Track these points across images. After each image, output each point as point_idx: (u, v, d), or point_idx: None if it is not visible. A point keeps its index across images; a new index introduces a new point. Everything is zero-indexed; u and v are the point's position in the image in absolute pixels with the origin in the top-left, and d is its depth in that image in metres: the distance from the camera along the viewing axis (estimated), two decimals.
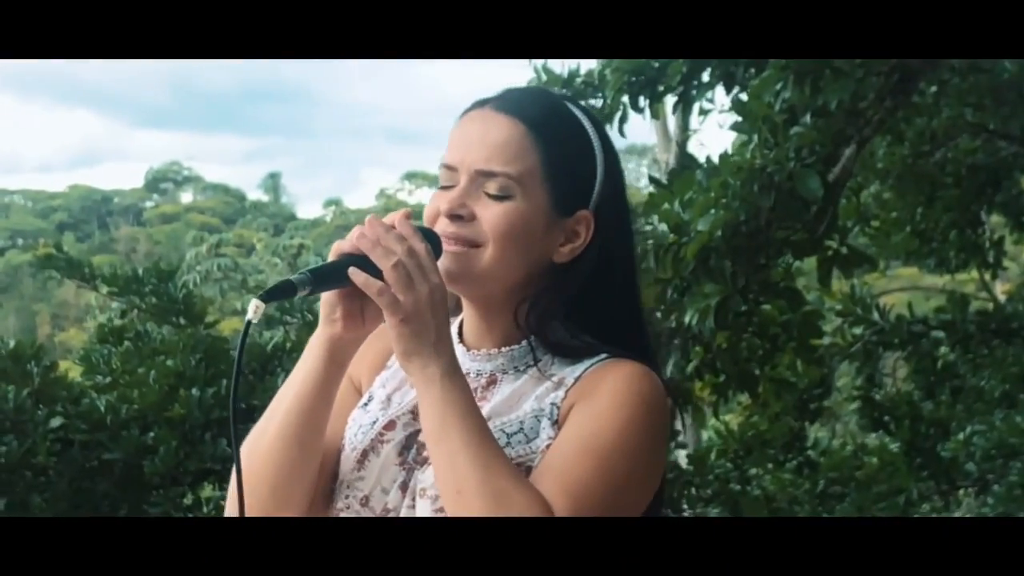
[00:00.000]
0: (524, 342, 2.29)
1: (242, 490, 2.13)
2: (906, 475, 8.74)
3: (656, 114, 7.39)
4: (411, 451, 2.26)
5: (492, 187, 2.24)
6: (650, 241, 5.13)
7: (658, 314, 5.43)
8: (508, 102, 2.31)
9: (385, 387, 2.37)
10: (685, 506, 7.72)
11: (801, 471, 8.71)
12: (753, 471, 8.64)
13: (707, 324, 5.12)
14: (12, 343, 7.33)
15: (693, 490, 7.77)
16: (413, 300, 2.13)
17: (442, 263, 2.21)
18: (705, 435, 12.85)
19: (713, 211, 5.04)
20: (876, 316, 8.44)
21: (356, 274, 2.13)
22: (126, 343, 7.66)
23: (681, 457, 8.50)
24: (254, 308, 2.09)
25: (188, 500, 7.38)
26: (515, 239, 2.24)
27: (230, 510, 2.22)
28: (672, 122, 13.76)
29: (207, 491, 7.49)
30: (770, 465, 8.73)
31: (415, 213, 2.28)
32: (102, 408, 7.22)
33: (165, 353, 7.47)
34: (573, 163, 2.30)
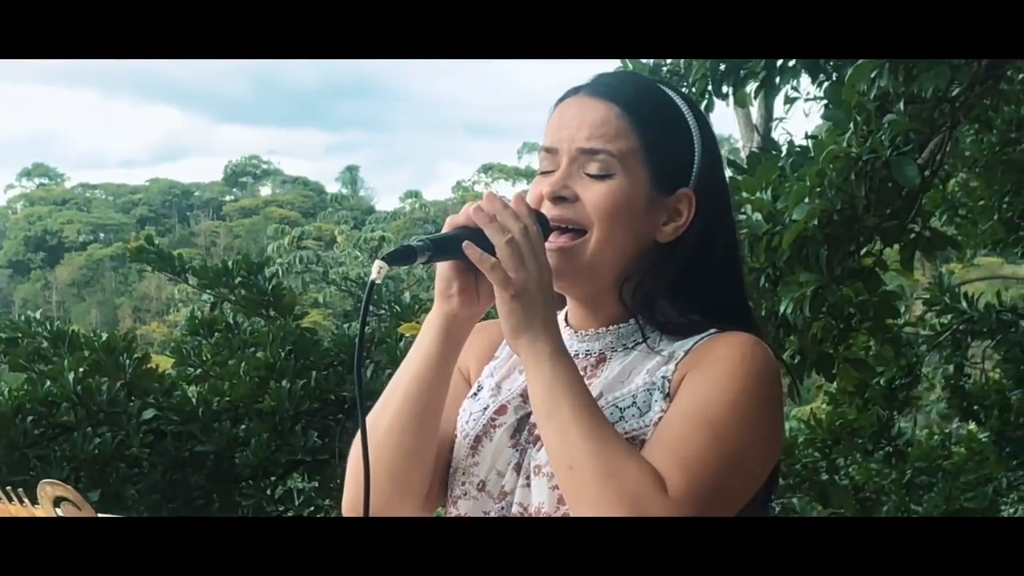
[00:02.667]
0: (632, 320, 2.30)
1: (368, 470, 2.14)
2: (995, 464, 8.69)
3: (741, 102, 7.37)
4: (523, 433, 2.27)
5: (594, 167, 2.26)
6: (744, 230, 5.11)
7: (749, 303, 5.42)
8: (601, 87, 2.33)
9: (494, 376, 2.38)
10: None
11: (889, 461, 8.68)
12: (841, 460, 8.63)
13: (803, 313, 5.10)
14: (105, 336, 7.42)
15: (779, 479, 7.73)
16: (524, 277, 2.14)
17: (549, 260, 2.21)
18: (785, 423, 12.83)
19: (807, 200, 5.02)
20: (964, 305, 8.37)
21: (470, 248, 2.14)
22: (216, 335, 7.74)
23: None
24: (377, 269, 2.10)
25: (279, 491, 7.45)
26: (619, 218, 2.25)
27: (352, 497, 2.27)
28: (755, 112, 13.68)
29: (297, 482, 7.57)
30: (858, 455, 8.70)
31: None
32: (194, 400, 7.31)
33: (255, 345, 7.55)
34: (670, 142, 2.31)
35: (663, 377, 2.22)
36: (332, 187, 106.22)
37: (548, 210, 2.26)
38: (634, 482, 2.05)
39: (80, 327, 8.09)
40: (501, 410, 2.30)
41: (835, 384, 7.85)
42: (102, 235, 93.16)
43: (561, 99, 2.36)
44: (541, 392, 2.14)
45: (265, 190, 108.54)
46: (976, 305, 8.35)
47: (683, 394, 2.18)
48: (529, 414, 2.25)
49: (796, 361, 5.84)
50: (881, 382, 8.25)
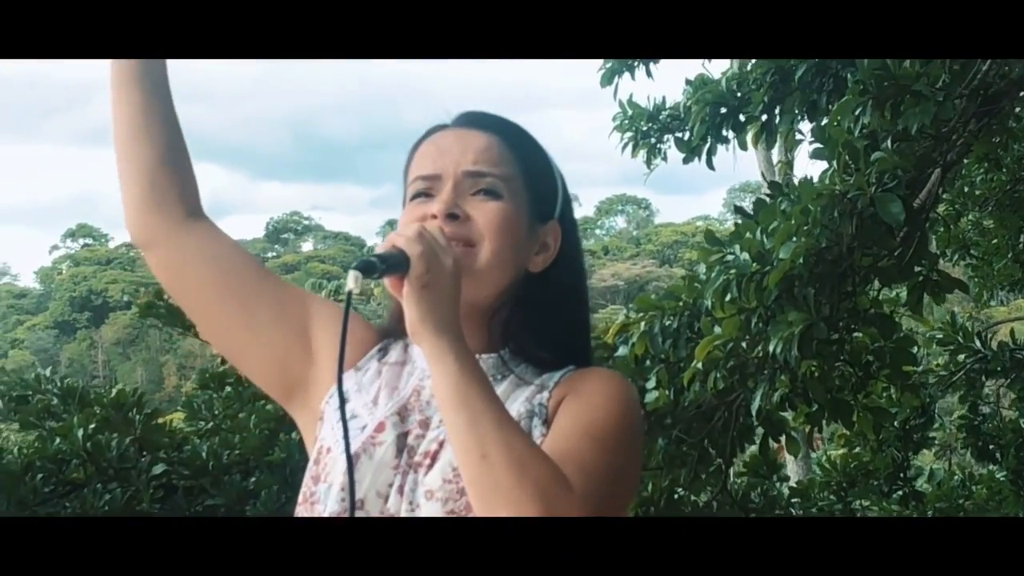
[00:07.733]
0: (496, 353, 2.37)
1: (352, 480, 2.18)
2: (1014, 503, 8.61)
3: (743, 145, 7.37)
4: (403, 455, 2.27)
5: (481, 188, 2.33)
6: (732, 271, 5.08)
7: (743, 344, 5.38)
8: (475, 120, 2.43)
9: (362, 392, 2.39)
10: None
11: (907, 502, 8.60)
12: (857, 503, 8.56)
13: (792, 353, 5.04)
14: (114, 391, 7.46)
15: None
16: (438, 270, 2.16)
17: None
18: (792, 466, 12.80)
19: (794, 239, 4.97)
20: (978, 344, 8.32)
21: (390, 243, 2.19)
22: (227, 388, 7.77)
23: (783, 490, 8.41)
24: (353, 279, 2.12)
25: None
26: (508, 236, 2.33)
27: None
28: (776, 155, 13.73)
29: None
30: (874, 496, 8.63)
31: None
32: (204, 454, 7.32)
33: (265, 398, 7.56)
34: (541, 174, 2.43)
35: (540, 404, 2.28)
36: (373, 241, 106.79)
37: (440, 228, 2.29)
38: (546, 475, 2.07)
39: (125, 385, 8.11)
40: (380, 427, 2.30)
41: None
42: None
43: (429, 133, 2.45)
44: (447, 384, 2.13)
45: (307, 246, 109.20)
46: (989, 344, 8.30)
47: (565, 414, 2.24)
48: (407, 433, 2.29)
49: (814, 410, 5.80)
50: (895, 423, 8.20)
